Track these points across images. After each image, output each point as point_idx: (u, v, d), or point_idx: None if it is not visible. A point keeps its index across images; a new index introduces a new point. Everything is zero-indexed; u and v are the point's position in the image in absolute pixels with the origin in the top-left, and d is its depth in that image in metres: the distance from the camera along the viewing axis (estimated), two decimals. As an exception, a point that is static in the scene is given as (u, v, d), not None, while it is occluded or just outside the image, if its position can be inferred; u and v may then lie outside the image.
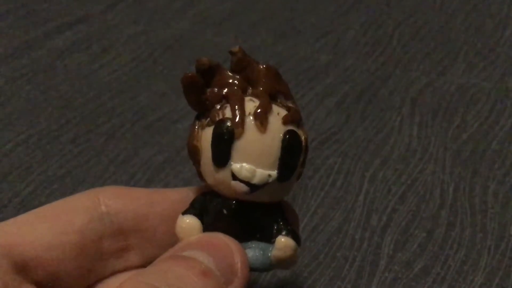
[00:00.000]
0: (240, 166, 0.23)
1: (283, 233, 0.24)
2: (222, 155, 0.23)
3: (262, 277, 0.34)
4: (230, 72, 0.24)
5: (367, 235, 0.37)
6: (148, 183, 0.40)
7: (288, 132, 0.23)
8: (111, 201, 0.25)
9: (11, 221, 0.24)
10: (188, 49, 0.53)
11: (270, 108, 0.23)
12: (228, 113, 0.23)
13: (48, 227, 0.24)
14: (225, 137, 0.23)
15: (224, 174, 0.23)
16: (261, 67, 0.24)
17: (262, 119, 0.23)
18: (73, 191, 0.39)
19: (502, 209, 0.38)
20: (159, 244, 0.26)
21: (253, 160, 0.23)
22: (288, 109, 0.24)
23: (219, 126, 0.23)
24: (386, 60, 0.53)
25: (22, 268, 0.23)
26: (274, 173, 0.23)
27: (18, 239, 0.23)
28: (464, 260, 0.35)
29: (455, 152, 0.43)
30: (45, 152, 0.42)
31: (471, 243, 0.36)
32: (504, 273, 0.34)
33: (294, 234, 0.24)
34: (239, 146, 0.23)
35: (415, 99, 0.48)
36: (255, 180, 0.23)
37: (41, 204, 0.38)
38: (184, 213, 0.24)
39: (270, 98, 0.24)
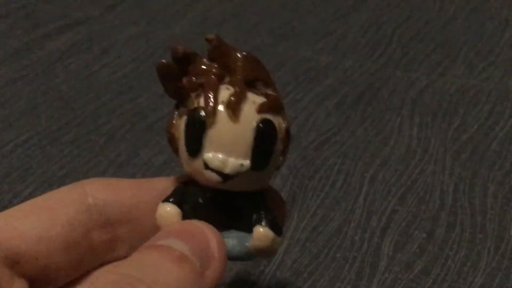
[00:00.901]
0: (212, 155, 0.23)
1: (262, 223, 0.24)
2: (194, 144, 0.23)
3: (262, 277, 0.34)
4: (207, 60, 0.24)
5: (367, 236, 0.37)
6: (148, 184, 0.40)
7: (262, 121, 0.23)
8: (98, 193, 0.25)
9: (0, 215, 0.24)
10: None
11: (245, 96, 0.23)
12: (202, 102, 0.23)
13: (37, 221, 0.24)
14: (197, 126, 0.23)
15: (197, 163, 0.23)
16: (238, 54, 0.24)
17: (234, 107, 0.23)
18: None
19: (502, 210, 0.38)
20: (147, 234, 0.25)
21: (225, 149, 0.23)
22: (267, 96, 0.24)
23: (191, 115, 0.23)
24: (386, 61, 0.53)
25: (12, 262, 0.23)
26: (246, 162, 0.23)
27: (8, 233, 0.23)
28: (464, 261, 0.35)
29: (455, 153, 0.43)
30: (45, 153, 0.42)
31: (471, 244, 0.36)
32: (504, 274, 0.34)
33: (273, 224, 0.24)
34: (211, 135, 0.23)
35: (415, 100, 0.48)
36: (227, 170, 0.23)
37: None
38: (164, 201, 0.24)
39: (248, 86, 0.23)
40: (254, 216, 0.24)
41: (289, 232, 0.36)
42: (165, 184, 0.26)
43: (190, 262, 0.22)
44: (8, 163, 0.41)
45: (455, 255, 0.35)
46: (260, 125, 0.23)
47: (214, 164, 0.23)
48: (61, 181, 0.40)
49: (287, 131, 0.24)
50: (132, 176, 0.40)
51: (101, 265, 0.26)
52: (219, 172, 0.23)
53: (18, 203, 0.37)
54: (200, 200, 0.24)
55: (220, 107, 0.23)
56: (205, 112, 0.23)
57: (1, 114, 0.45)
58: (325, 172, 0.41)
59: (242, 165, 0.23)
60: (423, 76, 0.51)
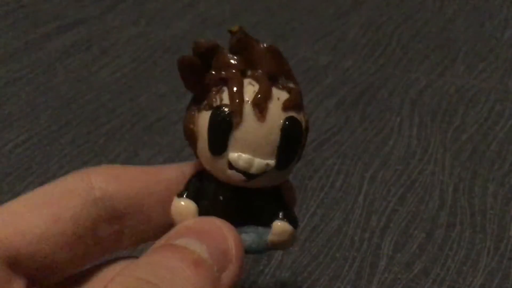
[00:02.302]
0: (237, 155, 0.22)
1: (280, 217, 0.24)
2: (219, 144, 0.22)
3: (262, 277, 0.34)
4: (229, 53, 0.23)
5: (367, 235, 0.37)
6: (147, 184, 0.40)
7: (288, 119, 0.23)
8: (105, 184, 0.24)
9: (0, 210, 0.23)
10: (188, 50, 0.53)
11: (270, 93, 0.22)
12: (225, 98, 0.22)
13: (40, 216, 0.23)
14: (223, 126, 0.22)
15: (220, 162, 0.23)
16: (262, 46, 0.23)
17: (261, 107, 0.22)
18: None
19: (501, 210, 0.38)
20: (155, 224, 0.25)
21: (251, 149, 0.22)
22: (289, 90, 0.23)
23: (216, 114, 0.22)
24: (386, 61, 0.53)
25: (13, 261, 0.22)
26: (272, 162, 0.23)
27: (9, 231, 0.23)
28: (463, 261, 0.35)
29: (455, 153, 0.43)
30: (45, 153, 0.42)
31: (471, 244, 0.36)
32: (504, 274, 0.34)
33: (291, 218, 0.24)
34: (237, 135, 0.22)
35: (414, 100, 0.48)
36: (253, 170, 0.23)
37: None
38: (180, 195, 0.24)
39: (270, 79, 0.23)
40: (272, 211, 0.24)
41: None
42: (173, 173, 0.25)
43: (207, 266, 0.21)
44: (8, 163, 0.41)
45: (454, 255, 0.35)
46: (287, 123, 0.22)
47: (240, 164, 0.22)
48: (61, 181, 0.40)
49: (307, 125, 0.24)
50: (132, 176, 0.40)
51: (106, 256, 0.25)
52: (243, 172, 0.23)
53: (17, 203, 0.38)
54: (220, 197, 0.24)
55: (247, 106, 0.22)
56: (231, 111, 0.22)
57: (1, 114, 0.45)
58: (324, 172, 0.41)
59: (267, 164, 0.23)
60: (423, 76, 0.51)
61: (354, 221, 0.37)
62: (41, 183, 0.39)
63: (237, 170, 0.23)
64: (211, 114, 0.22)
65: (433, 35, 0.57)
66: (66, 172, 0.40)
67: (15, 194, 0.38)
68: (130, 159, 0.42)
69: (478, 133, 0.45)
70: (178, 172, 0.25)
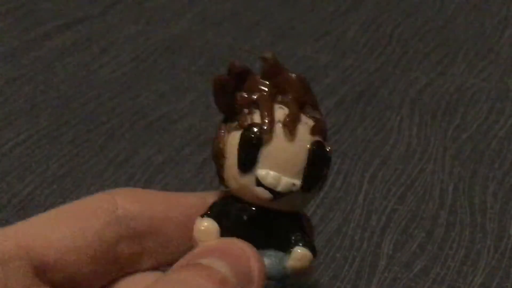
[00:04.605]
0: (265, 172, 0.23)
1: (301, 244, 0.24)
2: (248, 160, 0.23)
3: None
4: (261, 78, 0.24)
5: (367, 235, 0.37)
6: (147, 183, 0.40)
7: (316, 142, 0.23)
8: (128, 205, 0.25)
9: (29, 222, 0.24)
10: (188, 49, 0.53)
11: (299, 117, 0.23)
12: (256, 118, 0.23)
13: (67, 230, 0.24)
14: (253, 142, 0.23)
15: (248, 179, 0.23)
16: (293, 75, 0.24)
17: (291, 127, 0.23)
18: (72, 191, 0.39)
19: (501, 209, 0.38)
20: (174, 248, 0.25)
21: (279, 167, 0.23)
22: (315, 120, 0.24)
23: (248, 131, 0.23)
24: (386, 60, 0.53)
25: (41, 270, 0.23)
26: (298, 182, 0.23)
27: (38, 241, 0.23)
28: (463, 260, 0.35)
29: (455, 152, 0.43)
30: (45, 152, 0.42)
31: (471, 243, 0.36)
32: (504, 273, 0.34)
33: (311, 246, 0.24)
34: (266, 152, 0.23)
35: (414, 99, 0.48)
36: (280, 188, 0.23)
37: (40, 204, 0.38)
38: (203, 216, 0.24)
39: (298, 107, 0.24)
40: (293, 237, 0.24)
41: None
42: (196, 200, 0.26)
43: (232, 286, 0.21)
44: (7, 162, 0.41)
45: (454, 254, 0.35)
46: (314, 146, 0.23)
47: (268, 181, 0.23)
48: (61, 180, 0.40)
49: (330, 156, 0.24)
50: (132, 175, 0.40)
51: (124, 276, 0.26)
52: (271, 190, 0.23)
53: (17, 203, 0.38)
54: (244, 217, 0.24)
55: (277, 125, 0.23)
56: (262, 129, 0.23)
57: (1, 113, 0.45)
58: (324, 171, 0.41)
59: (294, 184, 0.23)
60: (423, 75, 0.51)
61: (354, 220, 0.37)
62: (41, 183, 0.39)
63: (265, 187, 0.23)
64: (243, 130, 0.23)
65: (433, 34, 0.57)
66: (66, 172, 0.41)
67: (14, 193, 0.38)
68: (130, 158, 0.42)
69: (478, 132, 0.45)
70: (200, 199, 0.26)
